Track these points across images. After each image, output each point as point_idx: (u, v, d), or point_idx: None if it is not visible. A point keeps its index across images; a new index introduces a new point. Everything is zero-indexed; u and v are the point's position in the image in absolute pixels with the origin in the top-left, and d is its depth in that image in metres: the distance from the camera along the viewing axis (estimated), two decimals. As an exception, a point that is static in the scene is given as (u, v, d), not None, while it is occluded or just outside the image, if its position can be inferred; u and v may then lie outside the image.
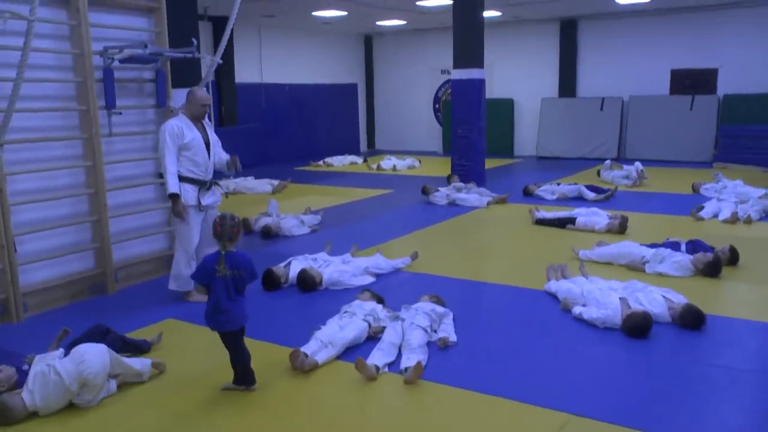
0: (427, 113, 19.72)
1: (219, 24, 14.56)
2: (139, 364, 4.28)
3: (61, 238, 5.97)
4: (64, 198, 5.95)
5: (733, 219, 8.69)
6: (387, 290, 5.84)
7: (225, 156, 6.00)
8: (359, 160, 16.92)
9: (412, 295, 5.51)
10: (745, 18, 14.83)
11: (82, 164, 6.04)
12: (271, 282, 6.19)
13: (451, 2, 12.17)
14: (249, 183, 12.45)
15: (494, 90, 17.09)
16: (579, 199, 10.48)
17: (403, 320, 4.83)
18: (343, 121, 19.47)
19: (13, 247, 5.44)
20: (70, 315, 5.65)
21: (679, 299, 5.24)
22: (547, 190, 11.00)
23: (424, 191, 10.90)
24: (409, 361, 4.32)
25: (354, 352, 4.59)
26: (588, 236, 7.98)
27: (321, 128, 18.56)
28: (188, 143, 5.61)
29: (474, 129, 12.17)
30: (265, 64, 16.86)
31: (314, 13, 14.75)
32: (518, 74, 17.74)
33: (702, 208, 9.21)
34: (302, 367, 4.32)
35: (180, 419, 3.85)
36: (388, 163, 15.61)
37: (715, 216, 8.98)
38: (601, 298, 5.28)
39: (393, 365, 4.42)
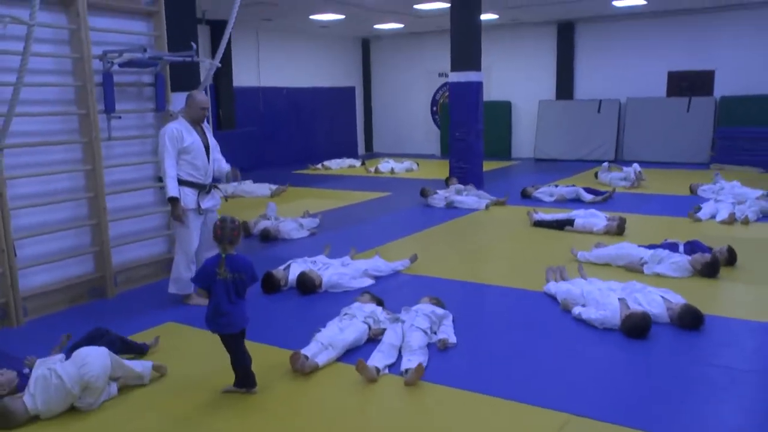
0: (424, 116, 19.75)
1: (217, 28, 14.57)
2: (140, 366, 4.29)
3: (61, 242, 5.98)
4: (63, 202, 5.96)
5: (731, 220, 8.72)
6: (386, 292, 5.86)
7: (226, 166, 6.03)
8: (357, 163, 16.95)
9: (411, 298, 5.52)
10: (741, 20, 14.89)
11: (82, 168, 6.05)
12: (271, 285, 6.20)
13: (448, 6, 12.21)
14: (247, 187, 12.46)
15: (492, 92, 17.13)
16: (577, 201, 10.52)
17: (403, 322, 4.84)
18: (341, 124, 19.49)
19: (13, 251, 5.45)
20: (70, 319, 5.66)
21: (678, 300, 5.27)
22: (545, 192, 11.03)
23: (423, 193, 10.92)
24: (409, 362, 4.33)
25: (354, 354, 4.60)
26: (586, 238, 8.00)
27: (319, 131, 18.58)
28: (188, 147, 5.63)
29: (472, 131, 12.19)
30: (263, 67, 16.88)
31: (312, 17, 14.78)
32: (516, 77, 17.78)
33: (700, 208, 9.24)
34: (303, 370, 4.33)
35: (181, 422, 3.85)
36: (386, 166, 15.63)
37: (713, 217, 9.02)
38: (601, 298, 5.30)
39: (393, 367, 4.43)
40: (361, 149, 20.50)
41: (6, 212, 5.35)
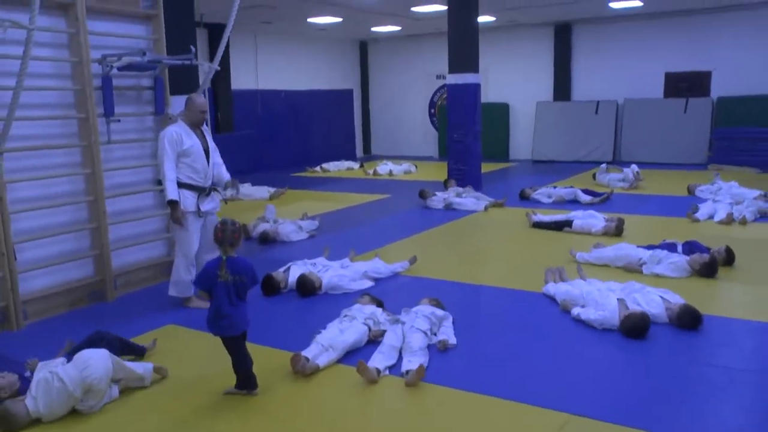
0: (422, 118, 19.78)
1: (215, 31, 14.61)
2: (141, 368, 4.31)
3: (61, 246, 5.99)
4: (63, 206, 5.96)
5: (729, 220, 8.75)
6: (386, 294, 5.87)
7: (226, 176, 6.05)
8: (355, 165, 16.97)
9: (411, 299, 5.53)
10: (737, 21, 14.94)
11: (81, 172, 6.06)
12: (271, 287, 6.21)
13: (446, 8, 12.23)
14: (246, 189, 12.44)
15: (489, 94, 17.18)
16: (575, 202, 10.54)
17: (403, 323, 4.86)
18: (339, 126, 19.51)
19: (13, 255, 5.46)
20: (70, 322, 5.67)
21: (677, 300, 5.29)
22: (543, 193, 11.06)
23: (422, 195, 10.94)
24: (410, 363, 4.34)
25: (355, 355, 4.61)
26: (585, 239, 8.03)
27: (317, 134, 18.60)
28: (187, 150, 5.64)
29: (470, 133, 12.21)
30: (261, 70, 16.91)
31: (309, 20, 14.81)
32: (513, 78, 17.82)
33: (698, 208, 9.27)
34: (303, 371, 4.34)
35: (182, 424, 3.87)
36: (384, 168, 15.66)
37: (711, 217, 9.05)
38: (600, 299, 5.32)
39: (394, 368, 4.45)
40: (359, 151, 20.52)
41: (6, 216, 5.36)
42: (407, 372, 4.29)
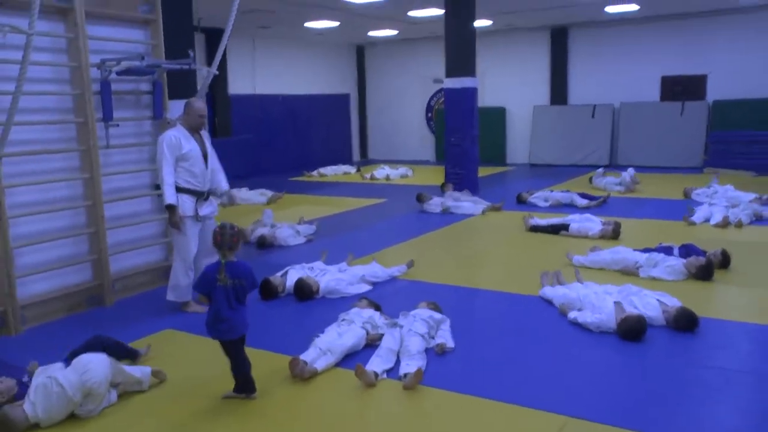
0: (419, 122, 19.82)
1: (212, 35, 14.62)
2: (139, 372, 4.31)
3: (59, 250, 5.99)
4: (61, 210, 5.97)
5: (725, 223, 8.79)
6: (383, 298, 5.88)
7: (224, 186, 6.07)
8: (352, 169, 16.99)
9: (408, 303, 5.54)
10: (733, 25, 15.01)
11: (80, 176, 6.07)
12: (269, 291, 6.22)
13: (442, 12, 12.28)
14: (244, 194, 12.48)
15: (486, 98, 17.20)
16: (572, 206, 10.56)
17: (401, 327, 4.87)
18: (336, 131, 19.54)
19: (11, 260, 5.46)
20: (68, 327, 5.68)
21: (673, 302, 5.31)
22: (540, 197, 11.09)
23: (419, 199, 10.95)
24: (408, 367, 4.36)
25: (353, 359, 4.63)
26: (582, 242, 8.06)
27: (314, 139, 18.61)
28: (186, 154, 5.66)
29: (467, 137, 12.26)
30: (259, 75, 16.93)
31: (307, 24, 14.85)
32: (510, 82, 17.87)
33: (694, 211, 9.31)
34: (302, 375, 4.35)
35: (180, 428, 3.87)
36: (381, 172, 15.68)
37: (707, 220, 9.09)
38: (597, 302, 5.34)
39: (392, 371, 4.46)
40: (356, 156, 20.55)
41: (4, 220, 5.37)
42: (405, 375, 4.30)
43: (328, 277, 6.41)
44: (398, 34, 17.62)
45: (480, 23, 14.47)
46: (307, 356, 4.50)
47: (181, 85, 7.14)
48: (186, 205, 5.74)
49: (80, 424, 3.92)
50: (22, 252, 5.63)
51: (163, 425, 3.92)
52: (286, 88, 17.66)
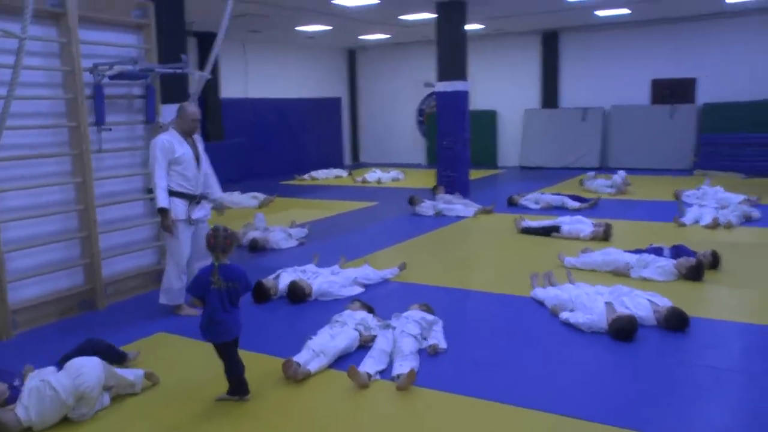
0: (410, 126, 19.87)
1: (205, 39, 14.62)
2: (132, 375, 4.31)
3: (51, 255, 5.98)
4: (53, 214, 5.96)
5: (714, 224, 8.85)
6: (376, 300, 5.90)
7: (218, 192, 6.11)
8: (344, 173, 17.02)
9: (401, 305, 5.57)
10: (722, 29, 15.14)
11: (72, 180, 6.06)
12: (261, 294, 6.23)
13: (434, 16, 12.33)
14: (235, 198, 12.48)
15: (477, 102, 17.26)
16: (563, 208, 10.62)
17: (393, 328, 4.89)
18: (328, 134, 19.57)
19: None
20: (60, 331, 5.65)
21: (664, 302, 5.36)
22: (531, 199, 11.14)
23: (411, 202, 10.98)
24: (401, 368, 4.38)
25: (346, 360, 4.64)
26: (573, 244, 8.10)
27: (306, 142, 18.62)
28: (179, 158, 5.66)
29: (459, 140, 12.31)
30: (250, 79, 16.93)
31: (298, 28, 14.86)
32: (501, 86, 17.95)
33: (684, 211, 9.39)
34: (295, 377, 4.36)
35: (174, 431, 3.87)
36: (373, 175, 15.72)
37: (697, 222, 9.16)
38: (588, 302, 5.38)
39: (384, 372, 4.48)
40: (347, 159, 20.57)
41: (-4, 225, 5.36)
42: (398, 376, 4.32)
43: (320, 279, 6.43)
44: (390, 38, 17.67)
45: (471, 27, 14.53)
46: (300, 358, 4.52)
47: (174, 89, 7.15)
48: (178, 208, 5.74)
49: (73, 427, 3.91)
50: (13, 256, 5.61)
51: (156, 428, 3.92)
52: (277, 92, 17.67)
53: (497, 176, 16.25)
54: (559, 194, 11.18)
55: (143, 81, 6.58)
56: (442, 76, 12.26)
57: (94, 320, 5.98)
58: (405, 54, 19.24)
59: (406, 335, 4.77)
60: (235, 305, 4.05)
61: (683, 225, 9.08)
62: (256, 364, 4.52)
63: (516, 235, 8.94)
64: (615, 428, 3.67)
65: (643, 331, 5.03)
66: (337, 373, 4.49)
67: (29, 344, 5.38)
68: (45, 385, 3.87)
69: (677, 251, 6.94)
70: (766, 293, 6.05)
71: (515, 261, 7.62)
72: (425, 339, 4.90)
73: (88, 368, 3.99)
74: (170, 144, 5.64)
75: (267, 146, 17.38)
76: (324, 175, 16.68)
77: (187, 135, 5.79)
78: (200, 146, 5.93)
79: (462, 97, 12.23)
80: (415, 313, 5.14)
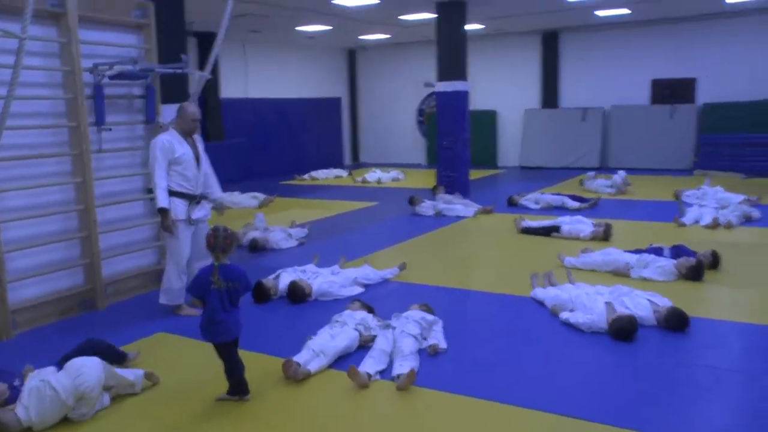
0: (410, 126, 19.87)
1: (204, 39, 14.62)
2: (132, 375, 4.32)
3: (51, 255, 5.98)
4: (53, 214, 5.96)
5: (715, 224, 8.85)
6: (376, 300, 5.90)
7: (218, 192, 6.11)
8: (344, 173, 17.02)
9: (400, 305, 5.57)
10: (722, 29, 15.15)
11: (72, 181, 6.06)
12: (261, 294, 6.23)
13: (434, 16, 12.33)
14: (235, 198, 12.49)
15: (477, 102, 17.27)
16: (563, 208, 10.62)
17: (393, 328, 4.90)
18: (328, 135, 19.56)
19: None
20: (60, 331, 5.66)
21: (664, 302, 5.36)
22: (531, 199, 11.14)
23: (411, 202, 10.98)
24: (401, 368, 4.38)
25: (345, 360, 4.64)
26: (573, 244, 8.10)
27: (306, 142, 18.62)
28: (179, 158, 5.66)
29: (459, 140, 12.31)
30: (251, 79, 16.94)
31: (298, 28, 14.87)
32: (501, 86, 17.96)
33: (685, 211, 9.40)
34: (295, 376, 4.36)
35: (174, 430, 3.87)
36: (373, 175, 15.73)
37: (697, 222, 9.16)
38: (588, 302, 5.38)
39: (384, 373, 4.48)
40: (347, 159, 20.57)
41: (-4, 225, 5.36)
42: (398, 376, 4.32)
43: (320, 279, 6.43)
44: (390, 38, 17.67)
45: (471, 27, 14.54)
46: (300, 358, 4.52)
47: (174, 89, 7.15)
48: (178, 208, 5.74)
49: (73, 427, 3.91)
50: (13, 256, 5.61)
51: (156, 428, 3.92)
52: (277, 92, 17.67)
53: (497, 176, 16.25)
54: (559, 194, 11.18)
55: (143, 81, 6.58)
56: (442, 76, 12.26)
57: (94, 320, 5.98)
58: (405, 54, 19.25)
59: (406, 335, 4.77)
60: (235, 305, 4.05)
61: (683, 225, 9.08)
62: (256, 364, 4.52)
63: (516, 235, 8.94)
64: (615, 428, 3.68)
65: (643, 331, 5.03)
66: (337, 373, 4.49)
67: (29, 344, 5.38)
68: (45, 385, 3.87)
69: (677, 251, 6.94)
70: (766, 293, 6.05)
71: (515, 261, 7.62)
72: (425, 339, 4.90)
73: (88, 368, 3.99)
74: (170, 144, 5.64)
75: (267, 146, 17.38)
76: (324, 175, 16.68)
77: (187, 135, 5.79)
78: (200, 146, 5.93)
79: (462, 97, 12.24)
80: (415, 313, 5.14)
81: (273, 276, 6.58)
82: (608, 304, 5.25)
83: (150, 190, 6.16)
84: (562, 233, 8.63)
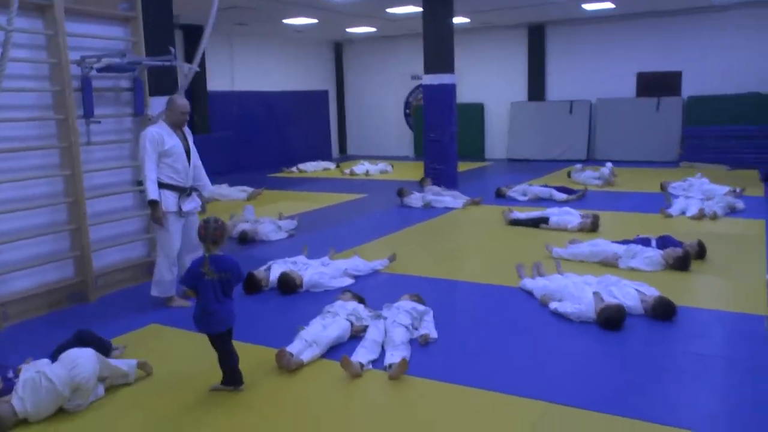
0: (398, 118, 19.88)
1: (191, 32, 14.56)
2: (125, 365, 4.33)
3: (40, 247, 5.96)
4: (41, 207, 5.94)
5: (700, 215, 8.96)
6: (366, 291, 5.93)
7: (209, 188, 6.16)
8: (332, 165, 17.01)
9: (391, 296, 5.61)
10: (707, 23, 15.26)
11: (60, 173, 6.04)
12: (253, 285, 6.25)
13: (420, 9, 12.34)
14: (224, 190, 12.47)
15: (464, 95, 17.31)
16: (550, 200, 10.69)
17: (385, 319, 4.94)
18: (315, 127, 19.51)
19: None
20: (50, 324, 5.65)
21: (651, 292, 5.43)
22: (518, 191, 11.21)
23: (400, 194, 11.01)
24: (392, 357, 4.42)
25: (338, 350, 4.68)
26: (561, 235, 8.17)
27: (293, 135, 18.56)
28: (168, 150, 5.66)
29: (446, 133, 12.33)
30: (237, 71, 16.88)
31: (285, 21, 14.82)
32: (488, 79, 18.01)
33: (671, 202, 9.50)
34: (288, 366, 4.39)
35: (168, 420, 3.90)
36: (360, 168, 15.73)
37: (683, 213, 9.26)
38: (576, 292, 5.44)
39: (376, 362, 4.51)
40: (335, 152, 20.56)
41: (-15, 217, 5.34)
42: (390, 365, 4.36)
43: (311, 270, 6.45)
44: (376, 31, 17.64)
45: (458, 20, 14.56)
46: (293, 348, 4.55)
47: (162, 81, 7.12)
48: (169, 200, 5.74)
49: (68, 418, 3.93)
50: (2, 249, 5.61)
51: (151, 418, 3.94)
52: (264, 84, 17.62)
53: (485, 168, 16.31)
54: (546, 186, 11.25)
55: (131, 74, 6.56)
56: (429, 69, 12.27)
57: (85, 312, 5.97)
58: (392, 47, 19.24)
59: (398, 325, 4.81)
60: (228, 296, 4.07)
61: (670, 216, 9.18)
62: (249, 354, 4.54)
63: (504, 227, 9.00)
64: (604, 414, 3.74)
65: (630, 320, 5.10)
66: (330, 363, 4.52)
67: (19, 337, 5.38)
68: (41, 377, 3.88)
69: (664, 242, 7.02)
70: (750, 282, 6.13)
71: (504, 252, 7.68)
72: (416, 329, 4.95)
73: (84, 359, 4.00)
74: (160, 136, 5.63)
75: (254, 139, 17.32)
76: (312, 168, 16.65)
77: (176, 127, 5.78)
78: (190, 139, 5.93)
79: (449, 90, 12.25)
80: (406, 304, 5.18)
81: (264, 267, 6.60)
82: (596, 293, 5.31)
83: (140, 183, 6.15)
84: (551, 224, 8.70)
